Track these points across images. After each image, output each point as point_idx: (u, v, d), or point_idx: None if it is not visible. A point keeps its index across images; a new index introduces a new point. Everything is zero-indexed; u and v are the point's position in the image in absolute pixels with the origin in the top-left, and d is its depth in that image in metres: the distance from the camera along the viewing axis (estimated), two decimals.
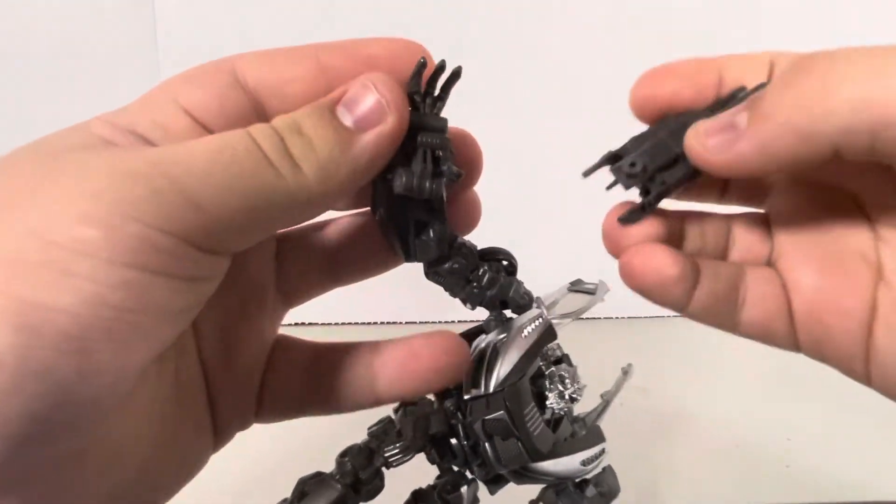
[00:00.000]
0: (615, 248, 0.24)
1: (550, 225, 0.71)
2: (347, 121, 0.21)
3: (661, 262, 0.23)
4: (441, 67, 0.23)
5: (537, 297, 0.30)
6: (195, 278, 0.19)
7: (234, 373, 0.27)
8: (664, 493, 0.47)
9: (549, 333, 0.29)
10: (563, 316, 0.31)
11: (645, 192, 0.24)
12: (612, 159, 0.24)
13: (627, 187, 0.24)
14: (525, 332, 0.28)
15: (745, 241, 0.25)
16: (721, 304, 0.24)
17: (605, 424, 0.54)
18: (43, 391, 0.16)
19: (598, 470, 0.31)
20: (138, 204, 0.17)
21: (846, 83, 0.18)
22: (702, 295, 0.23)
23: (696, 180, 0.23)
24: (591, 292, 0.34)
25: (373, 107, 0.21)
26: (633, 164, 0.23)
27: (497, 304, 0.28)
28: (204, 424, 0.26)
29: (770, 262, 0.25)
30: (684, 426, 0.55)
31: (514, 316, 0.29)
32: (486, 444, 0.27)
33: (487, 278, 0.27)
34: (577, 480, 0.30)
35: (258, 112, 0.22)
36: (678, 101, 0.23)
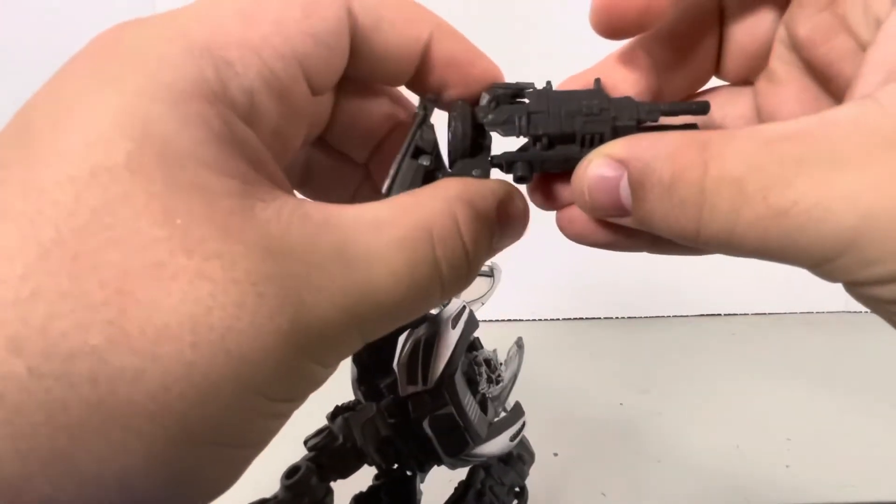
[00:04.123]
0: (542, 208, 0.23)
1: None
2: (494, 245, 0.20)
3: (584, 230, 0.21)
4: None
5: None
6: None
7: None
8: (664, 493, 0.47)
9: (473, 323, 0.30)
10: (473, 302, 0.32)
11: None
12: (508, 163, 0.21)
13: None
14: (454, 325, 0.28)
15: None
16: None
17: (604, 425, 0.54)
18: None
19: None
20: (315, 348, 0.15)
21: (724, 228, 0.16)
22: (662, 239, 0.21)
23: None
24: (488, 275, 0.34)
25: (513, 240, 0.21)
26: (521, 178, 0.21)
27: None
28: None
29: None
30: (684, 426, 0.54)
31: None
32: (436, 440, 0.27)
33: None
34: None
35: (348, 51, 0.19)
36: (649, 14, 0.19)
